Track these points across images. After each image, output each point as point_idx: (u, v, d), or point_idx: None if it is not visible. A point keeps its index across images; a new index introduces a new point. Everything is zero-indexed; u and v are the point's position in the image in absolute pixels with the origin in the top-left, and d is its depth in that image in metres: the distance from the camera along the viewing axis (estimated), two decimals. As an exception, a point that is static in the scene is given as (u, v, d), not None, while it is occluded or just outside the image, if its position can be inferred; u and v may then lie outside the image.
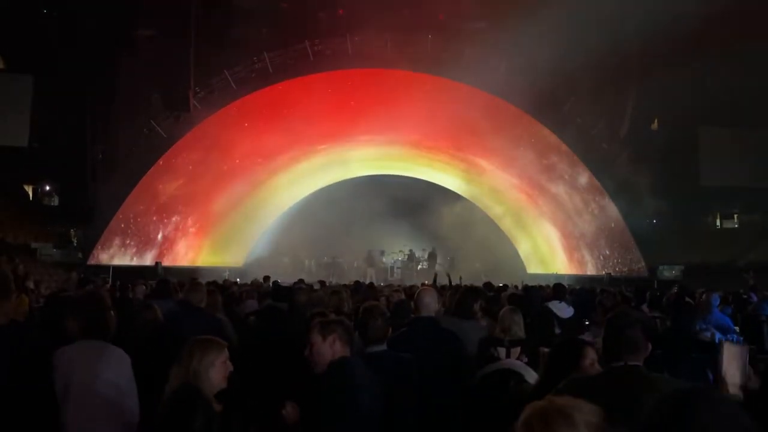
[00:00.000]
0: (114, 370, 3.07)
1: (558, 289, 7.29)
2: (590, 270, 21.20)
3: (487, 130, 19.01)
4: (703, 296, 6.88)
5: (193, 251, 22.07)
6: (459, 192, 25.66)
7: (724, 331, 5.82)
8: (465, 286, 7.66)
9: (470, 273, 21.16)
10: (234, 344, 4.27)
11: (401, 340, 3.85)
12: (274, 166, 22.10)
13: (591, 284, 15.06)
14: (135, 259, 19.24)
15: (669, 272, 18.38)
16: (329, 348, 2.98)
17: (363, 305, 3.85)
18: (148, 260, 19.38)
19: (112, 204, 17.72)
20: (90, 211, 17.93)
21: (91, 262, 17.57)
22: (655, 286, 15.51)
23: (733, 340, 3.77)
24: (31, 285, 10.66)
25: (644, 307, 7.03)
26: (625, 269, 19.61)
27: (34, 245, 18.07)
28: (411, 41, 18.18)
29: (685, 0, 14.35)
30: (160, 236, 20.26)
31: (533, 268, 24.37)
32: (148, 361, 3.99)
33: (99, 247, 17.89)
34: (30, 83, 18.40)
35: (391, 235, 24.39)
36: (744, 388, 2.29)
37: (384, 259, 24.91)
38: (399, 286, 10.89)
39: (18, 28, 18.41)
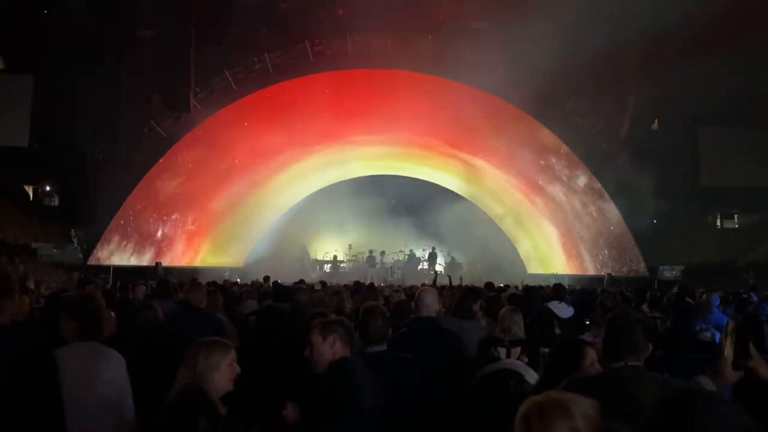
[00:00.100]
0: (112, 372, 3.07)
1: (558, 289, 7.31)
2: (590, 270, 21.20)
3: (487, 130, 19.01)
4: (703, 296, 6.88)
5: (193, 251, 22.08)
6: (459, 192, 25.66)
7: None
8: (465, 286, 7.67)
9: (470, 273, 21.18)
10: (234, 344, 4.26)
11: (401, 340, 3.85)
12: (274, 166, 22.11)
13: (591, 284, 15.04)
14: (135, 259, 19.25)
15: (669, 272, 18.38)
16: (329, 348, 2.98)
17: (363, 305, 3.85)
18: (148, 260, 19.40)
19: (113, 204, 17.72)
20: (90, 211, 17.92)
21: (92, 262, 17.58)
22: (656, 286, 15.51)
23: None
24: (31, 285, 10.66)
25: (644, 308, 7.03)
26: (625, 269, 19.61)
27: (34, 245, 18.06)
28: (411, 41, 18.17)
29: (685, 0, 14.34)
30: (160, 236, 20.27)
31: (533, 268, 24.37)
32: (149, 361, 4.00)
33: (99, 247, 17.90)
34: (30, 83, 18.40)
35: (391, 235, 24.40)
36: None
37: (384, 260, 24.94)
38: (399, 286, 10.90)
39: (18, 28, 18.40)
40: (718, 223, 24.01)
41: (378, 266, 24.32)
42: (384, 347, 3.49)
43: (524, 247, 25.47)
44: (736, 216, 23.73)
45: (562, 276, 19.53)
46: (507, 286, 10.68)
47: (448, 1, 18.85)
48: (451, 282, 12.37)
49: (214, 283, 9.22)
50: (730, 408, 1.46)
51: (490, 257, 23.64)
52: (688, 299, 7.03)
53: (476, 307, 4.83)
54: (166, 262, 19.18)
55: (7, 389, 2.08)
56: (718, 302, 6.83)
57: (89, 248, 17.93)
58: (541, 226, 23.38)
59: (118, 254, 18.51)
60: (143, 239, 19.44)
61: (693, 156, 20.69)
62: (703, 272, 16.95)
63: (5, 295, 2.23)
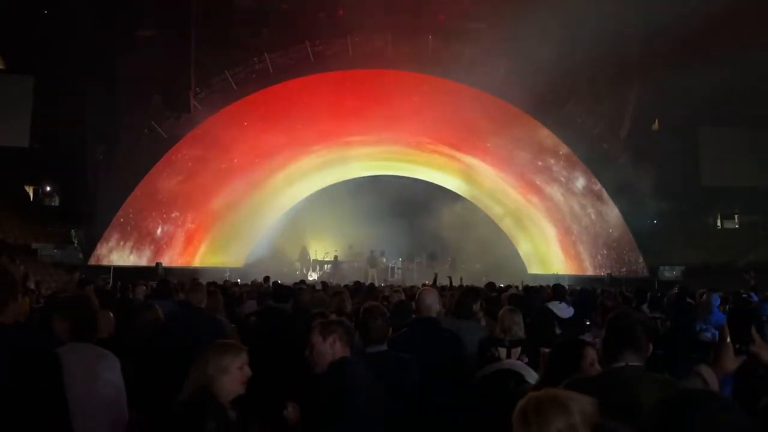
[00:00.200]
0: (111, 372, 3.07)
1: (557, 289, 7.31)
2: (590, 270, 21.21)
3: (487, 130, 19.02)
4: (704, 297, 6.87)
5: (193, 250, 22.09)
6: (459, 192, 25.67)
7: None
8: (465, 286, 7.67)
9: (471, 273, 21.18)
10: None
11: (402, 340, 3.85)
12: (274, 167, 22.12)
13: (591, 284, 15.03)
14: (135, 257, 19.26)
15: (669, 273, 18.38)
16: (329, 348, 2.98)
17: (363, 305, 3.85)
18: (147, 258, 19.41)
19: (113, 204, 17.73)
20: (91, 211, 17.93)
21: (92, 262, 17.58)
22: (656, 286, 15.50)
23: None
24: (31, 285, 10.66)
25: (645, 308, 7.02)
26: (625, 269, 19.61)
27: (34, 246, 18.07)
28: (411, 42, 18.18)
29: (684, 0, 14.35)
30: (160, 235, 20.28)
31: (534, 268, 24.37)
32: (149, 361, 4.00)
33: (100, 247, 17.90)
34: (31, 84, 18.43)
35: (391, 235, 24.41)
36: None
37: (384, 260, 24.94)
38: (399, 286, 10.91)
39: (18, 28, 18.42)
40: (719, 223, 24.00)
41: (378, 266, 24.32)
42: (384, 347, 3.49)
43: (524, 248, 25.47)
44: (736, 216, 23.71)
45: (563, 276, 19.53)
46: (509, 287, 10.67)
47: (448, 2, 18.88)
48: (451, 282, 12.38)
49: (214, 284, 9.23)
50: (729, 408, 1.46)
51: (491, 257, 23.64)
52: (688, 299, 7.03)
53: (476, 307, 4.82)
54: (166, 260, 19.19)
55: (13, 388, 2.08)
56: (718, 302, 6.81)
57: (89, 248, 17.94)
58: (541, 226, 23.39)
59: (117, 252, 18.52)
60: (142, 237, 19.45)
61: (693, 156, 20.70)
62: (703, 272, 16.94)
63: (9, 296, 2.23)
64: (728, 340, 2.22)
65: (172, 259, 20.48)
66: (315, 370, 2.99)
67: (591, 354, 2.77)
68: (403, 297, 6.52)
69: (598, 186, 19.36)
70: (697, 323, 5.78)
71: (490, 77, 17.21)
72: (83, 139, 18.76)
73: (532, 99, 17.65)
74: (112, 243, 18.31)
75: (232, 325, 5.78)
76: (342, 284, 11.22)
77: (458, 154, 22.48)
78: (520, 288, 10.37)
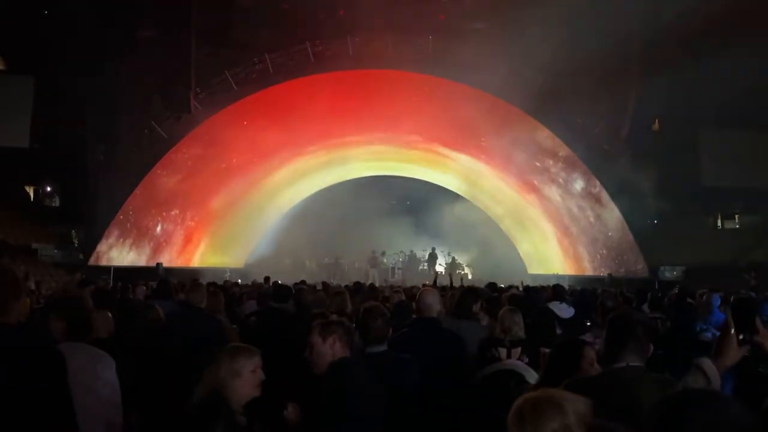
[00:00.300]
0: (109, 372, 3.07)
1: (558, 289, 7.30)
2: (591, 270, 21.19)
3: (488, 130, 19.01)
4: (704, 297, 6.86)
5: (193, 248, 22.09)
6: (459, 192, 25.66)
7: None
8: (466, 287, 7.66)
9: (471, 273, 21.20)
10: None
11: (402, 340, 3.85)
12: (274, 167, 22.12)
13: (592, 285, 15.02)
14: (135, 256, 19.26)
15: (670, 273, 18.37)
16: (329, 349, 2.98)
17: (363, 306, 3.85)
18: (147, 256, 19.41)
19: (113, 205, 17.73)
20: (91, 211, 17.93)
21: (92, 262, 17.59)
22: (656, 286, 15.48)
23: None
24: (32, 286, 10.67)
25: (645, 308, 7.02)
26: (625, 270, 19.59)
27: (34, 246, 18.09)
28: (411, 42, 18.18)
29: (685, 0, 14.34)
30: (160, 236, 20.28)
31: (534, 268, 24.37)
32: (150, 361, 4.00)
33: (100, 247, 17.90)
34: (31, 84, 18.41)
35: (391, 235, 24.41)
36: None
37: (385, 260, 24.94)
38: (399, 286, 10.91)
39: (18, 28, 18.42)
40: (719, 223, 23.97)
41: (379, 267, 24.33)
42: (384, 347, 3.48)
43: (525, 248, 25.46)
44: (736, 216, 23.68)
45: (563, 276, 19.52)
46: (510, 287, 10.65)
47: (448, 2, 18.87)
48: (452, 282, 12.38)
49: (214, 284, 9.23)
50: (730, 408, 1.46)
51: (491, 257, 23.63)
52: (688, 300, 7.02)
53: (476, 307, 4.83)
54: (165, 258, 19.20)
55: (18, 388, 2.08)
56: (718, 303, 6.81)
57: (90, 249, 17.94)
58: (542, 226, 23.38)
59: (116, 249, 18.51)
60: (141, 234, 19.45)
61: (694, 156, 20.65)
62: (703, 273, 16.91)
63: (12, 296, 2.24)
64: (732, 330, 2.20)
65: (171, 257, 20.48)
66: (315, 371, 2.99)
67: (591, 354, 2.77)
68: (403, 297, 6.52)
69: (597, 186, 19.35)
70: (698, 323, 5.78)
71: (491, 77, 17.19)
72: (83, 139, 18.76)
73: (532, 99, 17.62)
74: (111, 240, 18.32)
75: (233, 326, 5.78)
76: (342, 284, 11.20)
77: (458, 155, 22.48)
78: (521, 288, 10.36)
